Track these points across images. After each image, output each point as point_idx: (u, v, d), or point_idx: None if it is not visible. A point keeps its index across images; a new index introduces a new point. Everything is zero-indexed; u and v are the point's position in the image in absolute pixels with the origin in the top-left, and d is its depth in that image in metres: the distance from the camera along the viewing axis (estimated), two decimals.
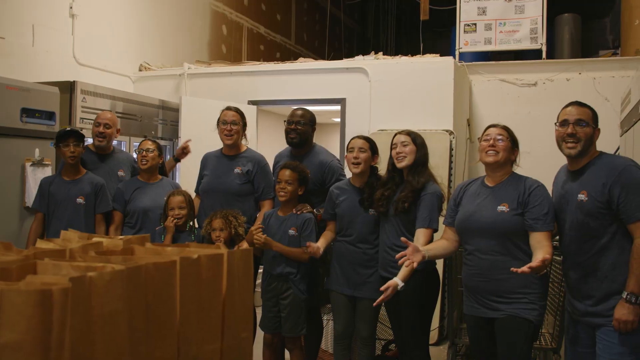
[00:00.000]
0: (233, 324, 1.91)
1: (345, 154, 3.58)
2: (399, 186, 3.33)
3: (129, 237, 2.15)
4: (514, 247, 2.80)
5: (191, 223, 3.86)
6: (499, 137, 2.88)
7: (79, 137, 3.90)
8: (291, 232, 3.55)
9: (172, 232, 3.71)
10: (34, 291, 1.21)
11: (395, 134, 3.37)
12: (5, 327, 1.18)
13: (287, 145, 4.05)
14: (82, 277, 1.35)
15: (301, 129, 3.88)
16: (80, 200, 3.91)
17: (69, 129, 3.94)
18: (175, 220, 3.72)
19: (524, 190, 2.82)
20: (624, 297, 2.51)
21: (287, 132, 3.92)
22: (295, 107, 4.05)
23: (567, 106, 2.76)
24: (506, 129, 2.94)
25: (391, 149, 3.36)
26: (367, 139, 3.54)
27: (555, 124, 2.77)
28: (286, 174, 3.59)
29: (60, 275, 1.47)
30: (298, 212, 3.59)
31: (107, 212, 4.02)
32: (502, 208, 2.82)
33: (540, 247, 2.70)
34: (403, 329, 3.31)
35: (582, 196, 2.63)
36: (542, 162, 6.10)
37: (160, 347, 1.63)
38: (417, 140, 3.33)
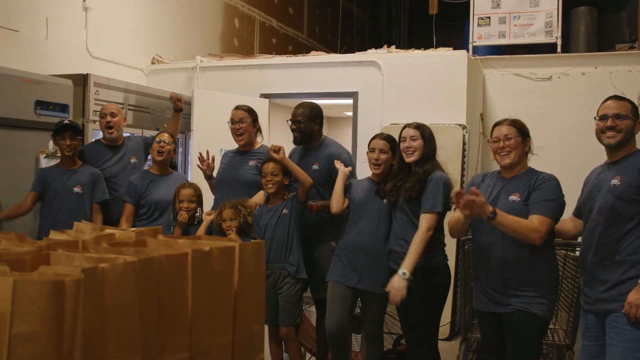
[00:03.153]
0: (245, 316, 1.91)
1: (366, 151, 3.54)
2: (408, 176, 3.32)
3: (141, 229, 2.15)
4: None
5: (197, 215, 3.88)
6: (508, 135, 2.87)
7: (76, 130, 4.00)
8: (284, 211, 3.63)
9: (182, 225, 3.72)
10: (47, 282, 1.22)
11: (404, 127, 3.35)
12: (18, 317, 1.18)
13: None
14: (95, 268, 1.36)
15: (302, 127, 3.83)
16: (77, 189, 4.00)
17: (67, 122, 4.02)
18: (186, 214, 3.74)
19: (535, 181, 2.83)
20: None
21: (292, 130, 3.92)
22: (297, 104, 3.97)
23: (606, 100, 2.79)
24: (513, 123, 2.92)
25: (399, 141, 3.34)
26: (388, 139, 3.50)
27: (594, 118, 2.79)
28: (269, 167, 3.65)
29: (73, 266, 1.48)
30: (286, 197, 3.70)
31: (103, 202, 4.13)
32: (514, 198, 2.82)
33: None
34: (409, 325, 3.30)
35: (615, 181, 2.66)
36: (556, 157, 6.05)
37: (172, 339, 1.63)
38: (425, 133, 3.31)
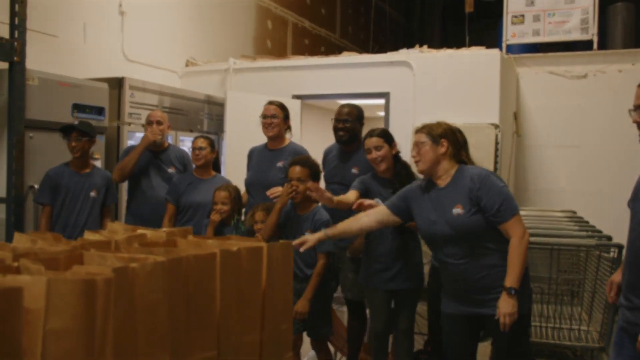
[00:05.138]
0: (273, 315, 1.93)
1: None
2: (407, 181, 3.32)
3: (172, 230, 2.20)
4: (481, 245, 2.73)
5: (237, 217, 3.92)
6: (417, 142, 2.86)
7: (82, 132, 3.96)
8: (307, 234, 3.36)
9: (214, 225, 3.77)
10: (79, 281, 1.26)
11: (415, 131, 3.34)
12: (52, 314, 1.22)
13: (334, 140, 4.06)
14: (125, 267, 1.40)
15: (349, 127, 3.85)
16: (93, 194, 4.04)
17: (76, 123, 4.02)
18: (218, 215, 3.79)
19: (471, 187, 2.73)
20: None
21: (336, 130, 3.91)
22: (342, 103, 4.01)
23: None
24: (424, 129, 2.90)
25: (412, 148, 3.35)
26: (380, 135, 3.48)
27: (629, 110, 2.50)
28: (296, 171, 3.44)
29: (104, 265, 1.52)
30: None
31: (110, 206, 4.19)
32: (457, 210, 2.74)
33: (512, 235, 2.66)
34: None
35: None
36: (592, 156, 5.97)
37: (200, 337, 1.66)
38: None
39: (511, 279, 2.64)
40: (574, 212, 4.80)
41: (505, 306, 2.62)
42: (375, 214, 3.06)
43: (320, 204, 3.50)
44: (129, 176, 4.26)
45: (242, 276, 1.81)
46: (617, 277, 2.63)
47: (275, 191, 3.53)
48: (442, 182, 2.85)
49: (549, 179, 6.14)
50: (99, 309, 1.29)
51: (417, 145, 2.87)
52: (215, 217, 3.79)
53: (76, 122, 4.05)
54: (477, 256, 2.73)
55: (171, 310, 1.53)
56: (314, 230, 3.37)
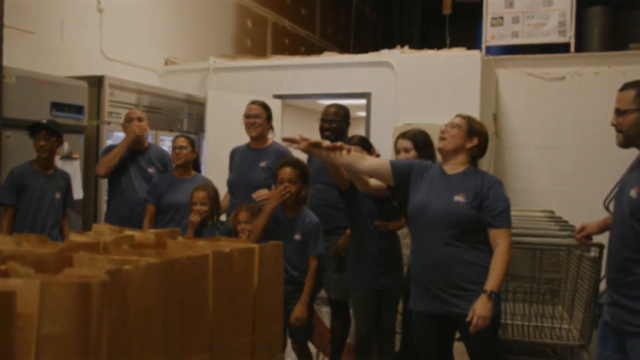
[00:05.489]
0: (264, 317, 1.92)
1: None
2: None
3: (160, 231, 2.17)
4: (469, 238, 2.75)
5: (216, 218, 3.89)
6: (455, 124, 2.84)
7: (51, 131, 3.88)
8: (297, 237, 3.38)
9: (194, 226, 3.74)
10: (73, 284, 1.23)
11: (398, 137, 3.34)
12: (46, 319, 1.20)
13: None
14: (119, 270, 1.37)
15: (336, 126, 3.87)
16: (58, 195, 3.98)
17: (45, 121, 3.92)
18: (197, 215, 3.75)
19: (482, 184, 2.76)
20: None
21: (322, 130, 3.92)
22: (329, 104, 4.03)
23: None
24: (468, 119, 2.88)
25: (395, 153, 3.34)
26: (358, 143, 3.43)
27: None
28: (286, 172, 3.35)
29: (96, 268, 1.49)
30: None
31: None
32: (459, 199, 2.75)
33: (498, 244, 2.69)
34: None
35: (633, 192, 2.37)
36: (569, 156, 6.05)
37: (193, 340, 1.64)
38: (418, 142, 3.32)
39: (493, 283, 2.65)
40: (552, 212, 4.86)
41: (482, 309, 2.60)
42: (379, 161, 3.02)
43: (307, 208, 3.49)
44: (113, 171, 4.21)
45: (235, 278, 1.79)
46: (590, 224, 2.83)
47: (262, 194, 3.49)
48: (451, 171, 2.85)
49: (528, 179, 6.21)
50: (94, 313, 1.27)
51: (452, 125, 2.84)
52: (194, 217, 3.75)
53: (44, 121, 3.94)
54: (461, 249, 2.73)
55: (164, 313, 1.51)
56: (303, 234, 3.35)
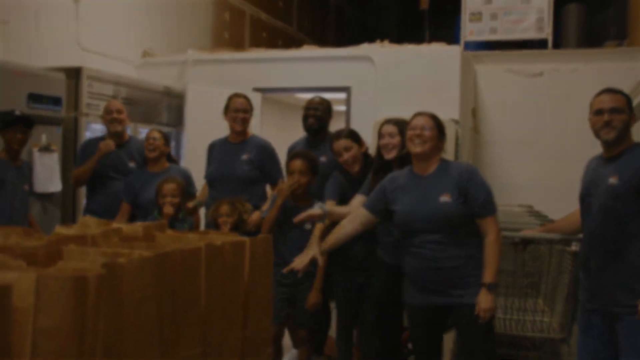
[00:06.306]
0: (255, 311, 1.91)
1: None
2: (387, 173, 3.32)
3: (148, 224, 2.14)
4: (460, 234, 2.80)
5: (184, 211, 3.87)
6: (426, 126, 2.86)
7: (28, 124, 3.83)
8: (307, 226, 3.45)
9: (168, 219, 3.68)
10: (69, 277, 1.21)
11: (383, 124, 3.36)
12: (42, 312, 1.17)
13: (298, 136, 4.06)
14: (114, 263, 1.35)
15: (320, 115, 3.91)
16: (26, 187, 3.93)
17: (19, 114, 3.84)
18: (171, 207, 3.71)
19: (460, 178, 2.81)
20: None
21: (306, 118, 3.94)
22: (313, 96, 4.10)
23: (599, 94, 2.74)
24: (433, 117, 2.92)
25: (379, 138, 3.35)
26: (348, 135, 3.51)
27: (590, 113, 2.75)
28: (297, 164, 3.51)
29: (87, 261, 1.46)
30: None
31: None
32: (445, 199, 2.79)
33: (488, 233, 2.76)
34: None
35: (613, 180, 2.62)
36: (547, 152, 6.12)
37: (186, 333, 1.62)
38: (404, 130, 3.33)
39: (490, 275, 2.72)
40: (531, 207, 4.91)
41: (486, 301, 2.70)
42: (358, 217, 3.05)
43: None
44: (84, 184, 4.22)
45: (226, 271, 1.78)
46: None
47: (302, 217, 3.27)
48: (425, 171, 2.88)
49: (506, 174, 6.26)
50: (90, 307, 1.24)
51: (422, 128, 2.85)
52: (168, 209, 3.71)
53: (19, 113, 3.85)
54: (456, 245, 2.78)
55: (158, 306, 1.49)
56: (314, 223, 3.38)
